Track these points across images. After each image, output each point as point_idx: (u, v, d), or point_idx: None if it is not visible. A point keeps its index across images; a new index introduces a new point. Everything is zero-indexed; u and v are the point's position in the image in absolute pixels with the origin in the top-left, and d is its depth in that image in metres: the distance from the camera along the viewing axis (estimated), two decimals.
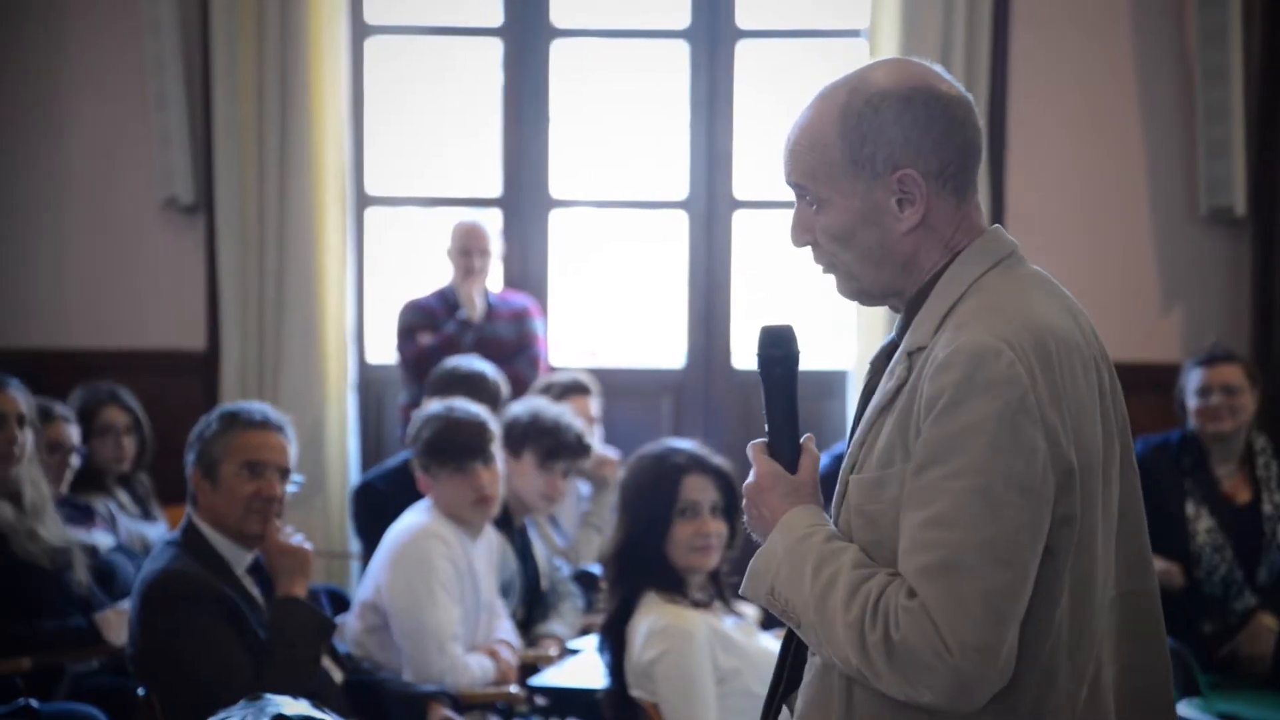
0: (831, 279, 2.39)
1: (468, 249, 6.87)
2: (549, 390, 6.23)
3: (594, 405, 6.34)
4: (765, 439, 2.41)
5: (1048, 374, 2.15)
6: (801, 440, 2.40)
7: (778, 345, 2.40)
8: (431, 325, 6.81)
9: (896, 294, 2.34)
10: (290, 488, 4.21)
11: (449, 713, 4.42)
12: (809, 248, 2.37)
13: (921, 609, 2.09)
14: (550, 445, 5.36)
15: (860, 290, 2.36)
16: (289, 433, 4.25)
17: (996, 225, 2.35)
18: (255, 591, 4.12)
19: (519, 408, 5.54)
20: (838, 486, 2.33)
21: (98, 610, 5.06)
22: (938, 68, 2.33)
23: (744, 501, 2.40)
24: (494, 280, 7.15)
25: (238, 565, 4.12)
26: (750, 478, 2.39)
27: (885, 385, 2.28)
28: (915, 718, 2.18)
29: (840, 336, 7.22)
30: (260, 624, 4.02)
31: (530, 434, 5.35)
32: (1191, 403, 5.73)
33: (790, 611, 2.26)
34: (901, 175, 2.25)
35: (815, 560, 2.22)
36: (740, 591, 2.36)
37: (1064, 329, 2.22)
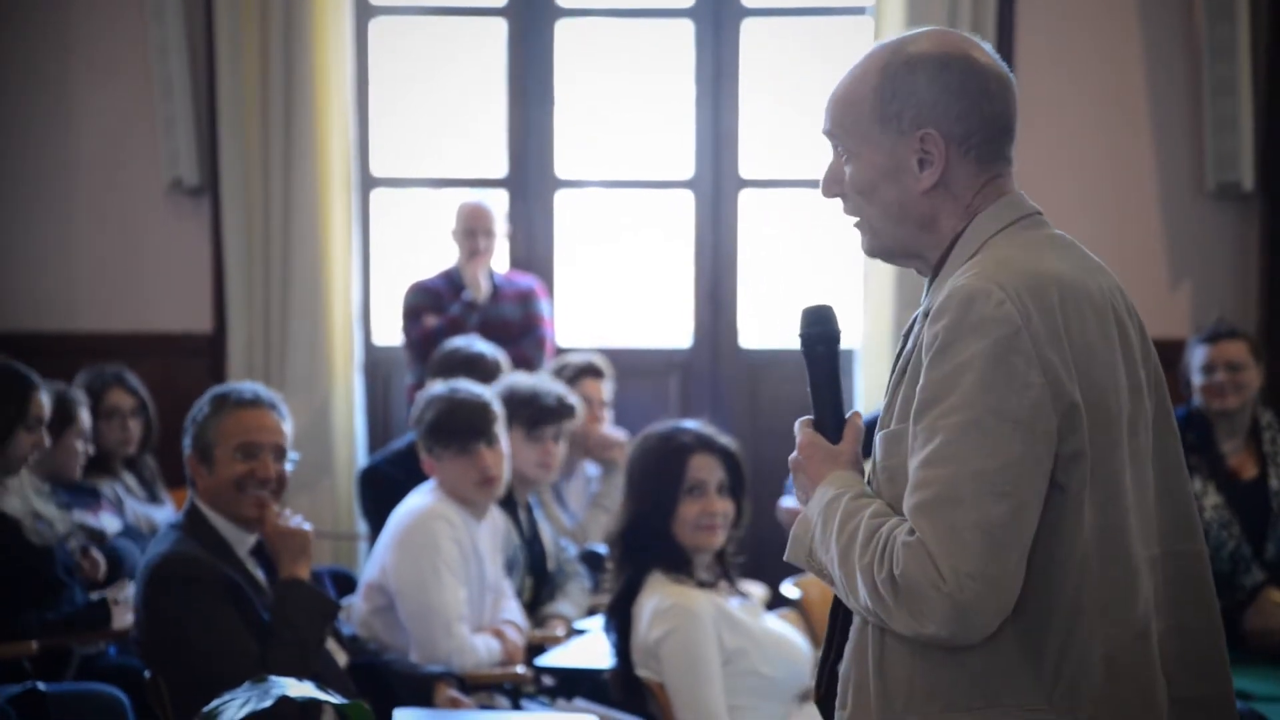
0: (857, 237, 2.44)
1: (472, 229, 6.86)
2: (562, 372, 6.22)
3: (606, 388, 6.32)
4: (811, 415, 2.46)
5: (1045, 314, 2.20)
6: (848, 415, 2.45)
7: (818, 323, 2.46)
8: (437, 307, 6.79)
9: (917, 255, 2.40)
10: (286, 465, 4.18)
11: (455, 693, 4.42)
12: (839, 199, 2.43)
13: (919, 543, 2.14)
14: (532, 414, 5.33)
15: (881, 247, 2.42)
16: (283, 410, 4.21)
17: (1020, 191, 2.39)
18: (259, 574, 4.11)
19: (495, 389, 5.51)
20: (873, 448, 2.38)
21: (100, 585, 5.08)
22: (985, 44, 2.38)
23: (791, 475, 2.45)
24: (500, 261, 7.14)
25: (240, 547, 4.10)
26: (795, 451, 2.45)
27: (906, 346, 2.34)
28: (938, 659, 2.23)
29: (847, 316, 7.19)
30: (264, 606, 4.01)
31: (511, 408, 5.28)
32: (1196, 379, 5.72)
33: (825, 570, 2.31)
34: (924, 135, 2.31)
35: (841, 517, 2.27)
36: (785, 557, 2.42)
37: (1072, 279, 2.26)
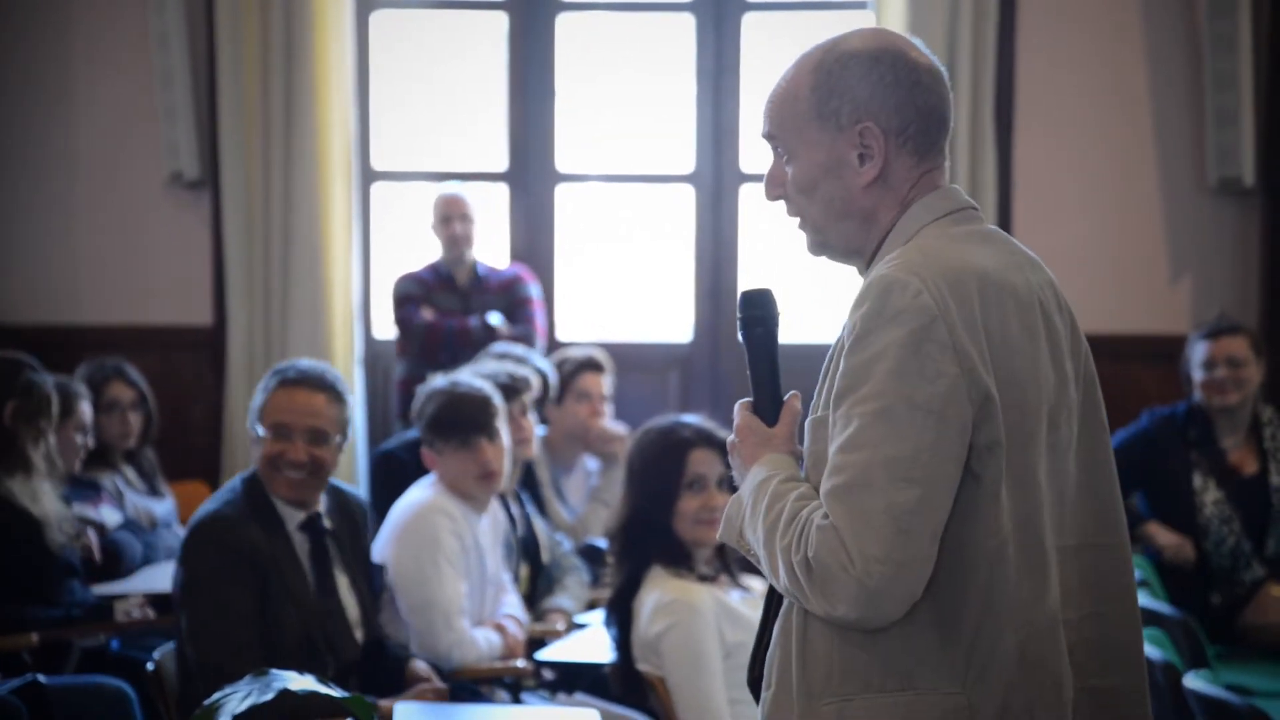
0: (805, 239, 2.47)
1: (448, 215, 6.86)
2: (562, 366, 6.21)
3: (606, 382, 6.31)
4: (750, 398, 2.50)
5: (962, 306, 2.24)
6: (786, 397, 2.49)
7: (757, 307, 2.50)
8: (425, 296, 6.78)
9: (857, 251, 2.44)
10: (328, 449, 4.17)
11: (422, 666, 4.37)
12: (782, 201, 2.46)
13: (832, 527, 2.19)
14: None
15: (825, 245, 2.46)
16: (337, 391, 4.19)
17: (954, 185, 2.43)
18: (303, 550, 4.14)
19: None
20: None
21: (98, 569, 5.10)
22: (916, 40, 2.43)
23: (728, 455, 2.48)
24: (500, 256, 7.13)
25: (290, 521, 4.15)
26: (732, 433, 2.48)
27: (838, 336, 2.37)
28: (856, 641, 2.26)
29: (846, 310, 7.19)
30: (296, 582, 4.04)
31: None
32: (1197, 375, 5.72)
33: (752, 551, 2.36)
34: (863, 128, 2.35)
35: (769, 499, 2.32)
36: (717, 537, 2.47)
37: (995, 273, 2.30)
